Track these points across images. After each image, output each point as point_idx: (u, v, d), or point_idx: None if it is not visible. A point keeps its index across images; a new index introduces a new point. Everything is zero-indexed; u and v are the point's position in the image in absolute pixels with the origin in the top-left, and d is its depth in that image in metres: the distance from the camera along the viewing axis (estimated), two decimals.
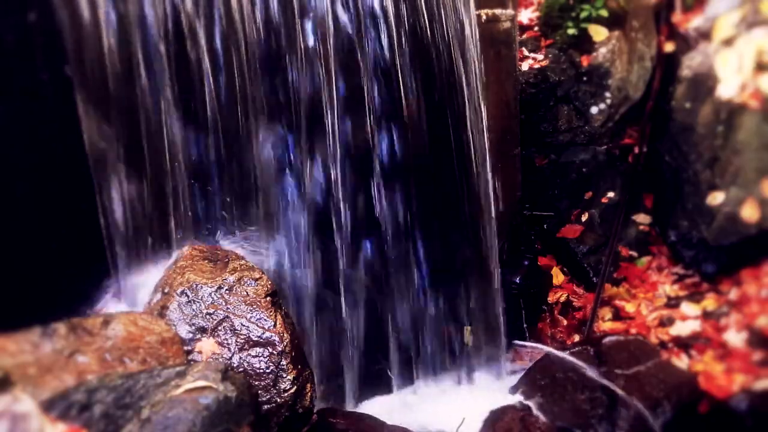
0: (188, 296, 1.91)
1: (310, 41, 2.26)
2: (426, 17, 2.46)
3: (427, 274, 2.67)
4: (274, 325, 1.89)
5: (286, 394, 1.82)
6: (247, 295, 1.94)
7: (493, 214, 2.78)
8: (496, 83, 2.95)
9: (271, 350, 1.86)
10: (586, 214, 3.39)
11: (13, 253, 1.81)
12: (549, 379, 2.61)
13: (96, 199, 1.98)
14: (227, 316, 1.89)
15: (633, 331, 2.98)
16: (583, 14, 3.31)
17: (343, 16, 2.30)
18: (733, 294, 2.97)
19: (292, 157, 2.33)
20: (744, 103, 3.00)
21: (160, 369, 1.57)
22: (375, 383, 2.64)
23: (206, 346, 1.85)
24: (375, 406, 2.56)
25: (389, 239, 2.55)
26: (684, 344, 2.87)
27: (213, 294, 1.93)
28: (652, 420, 2.44)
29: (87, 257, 2.00)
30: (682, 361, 2.79)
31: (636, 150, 3.42)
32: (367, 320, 2.55)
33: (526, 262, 3.23)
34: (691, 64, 3.23)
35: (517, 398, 2.55)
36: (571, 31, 3.35)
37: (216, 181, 2.21)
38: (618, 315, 3.11)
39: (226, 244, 2.22)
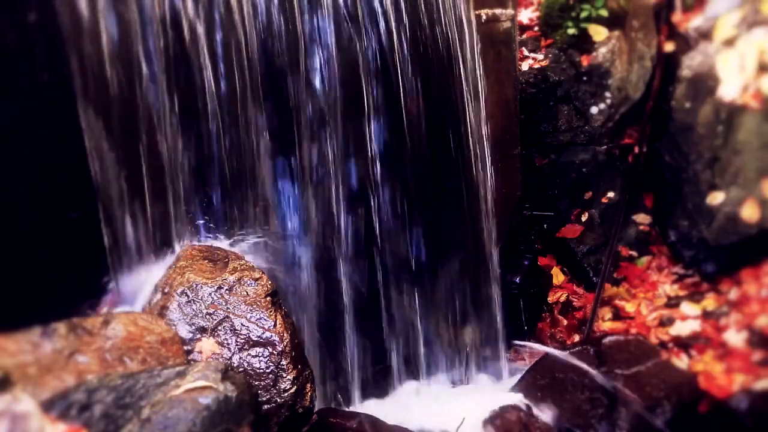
0: (188, 296, 1.91)
1: (311, 41, 2.26)
2: (426, 17, 2.46)
3: (426, 274, 2.67)
4: (274, 325, 1.89)
5: (286, 394, 1.82)
6: (247, 295, 1.94)
7: (493, 214, 2.79)
8: (496, 83, 2.95)
9: (271, 350, 1.86)
10: (586, 214, 3.39)
11: (13, 253, 1.81)
12: (549, 379, 2.61)
13: (96, 199, 1.98)
14: (227, 316, 1.89)
15: (633, 331, 2.98)
16: (583, 14, 3.31)
17: (344, 17, 2.30)
18: (733, 294, 2.97)
19: (291, 158, 2.33)
20: (745, 104, 3.00)
21: (160, 369, 1.57)
22: (375, 383, 2.64)
23: (206, 346, 1.85)
24: (375, 406, 2.56)
25: (389, 239, 2.55)
26: (684, 344, 2.87)
27: (213, 294, 1.93)
28: (652, 420, 2.44)
29: (87, 257, 2.00)
30: (682, 361, 2.79)
31: (636, 150, 3.42)
32: (368, 320, 2.55)
33: (526, 262, 3.23)
34: (691, 63, 3.23)
35: (517, 398, 2.55)
36: (571, 31, 3.35)
37: (216, 180, 2.21)
38: (618, 315, 3.11)
39: (226, 243, 2.22)
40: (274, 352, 1.86)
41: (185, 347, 1.83)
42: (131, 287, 2.04)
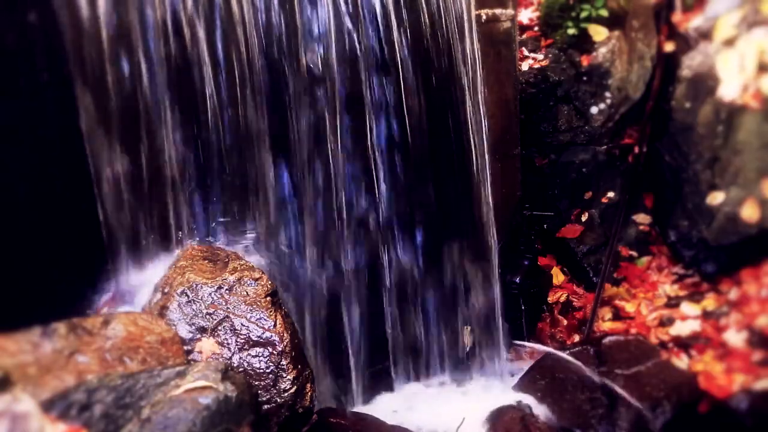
0: (188, 296, 1.91)
1: (311, 41, 2.26)
2: (426, 17, 2.46)
3: (427, 273, 2.67)
4: (274, 325, 1.89)
5: (286, 394, 1.82)
6: (247, 295, 1.94)
7: (493, 214, 2.78)
8: (496, 83, 2.95)
9: (271, 350, 1.86)
10: (586, 214, 3.39)
11: (13, 253, 1.81)
12: (549, 379, 2.61)
13: (96, 199, 1.98)
14: (227, 316, 1.89)
15: (633, 331, 2.98)
16: (583, 14, 3.31)
17: (344, 17, 2.30)
18: (733, 294, 2.97)
19: (292, 157, 2.33)
20: (745, 104, 3.00)
21: (160, 369, 1.57)
22: (375, 383, 2.64)
23: (206, 346, 1.85)
24: (375, 406, 2.56)
25: (389, 239, 2.55)
26: (684, 344, 2.87)
27: (213, 294, 1.93)
28: (652, 420, 2.44)
29: (87, 257, 2.00)
30: (682, 361, 2.79)
31: (636, 150, 3.42)
32: (368, 320, 2.54)
33: (526, 262, 3.23)
34: (691, 63, 3.23)
35: (517, 398, 2.55)
36: (571, 31, 3.36)
37: (216, 181, 2.21)
38: (618, 315, 3.12)
39: (226, 244, 2.22)
40: (274, 352, 1.86)
41: (185, 347, 1.83)
42: (131, 287, 2.04)
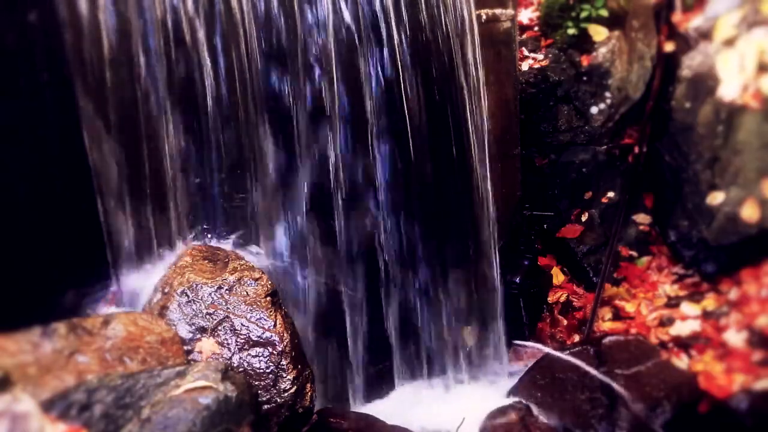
0: (188, 296, 1.91)
1: (311, 41, 2.26)
2: (426, 17, 2.46)
3: (427, 273, 2.67)
4: (274, 325, 1.89)
5: (286, 394, 1.82)
6: (247, 295, 1.94)
7: (493, 214, 2.79)
8: (496, 83, 2.95)
9: (271, 350, 1.86)
10: (586, 214, 3.39)
11: (13, 253, 1.81)
12: (549, 379, 2.61)
13: (96, 199, 1.98)
14: (227, 316, 1.89)
15: (633, 331, 2.98)
16: (583, 14, 3.31)
17: (344, 16, 2.30)
18: (733, 294, 2.96)
19: (292, 158, 2.33)
20: (745, 104, 3.00)
21: (160, 369, 1.58)
22: (375, 383, 2.64)
23: (206, 346, 1.85)
24: (375, 406, 2.56)
25: (389, 239, 2.55)
26: (684, 344, 2.87)
27: (213, 294, 1.93)
28: (652, 420, 2.44)
29: (87, 257, 2.00)
30: (682, 361, 2.79)
31: (636, 150, 3.42)
32: (368, 321, 2.55)
33: (526, 262, 3.23)
34: (691, 63, 3.23)
35: (517, 398, 2.55)
36: (571, 31, 3.36)
37: (216, 180, 2.21)
38: (618, 315, 3.11)
39: (226, 244, 2.22)
40: (274, 352, 1.86)
41: (185, 347, 1.83)
42: (131, 287, 2.04)
